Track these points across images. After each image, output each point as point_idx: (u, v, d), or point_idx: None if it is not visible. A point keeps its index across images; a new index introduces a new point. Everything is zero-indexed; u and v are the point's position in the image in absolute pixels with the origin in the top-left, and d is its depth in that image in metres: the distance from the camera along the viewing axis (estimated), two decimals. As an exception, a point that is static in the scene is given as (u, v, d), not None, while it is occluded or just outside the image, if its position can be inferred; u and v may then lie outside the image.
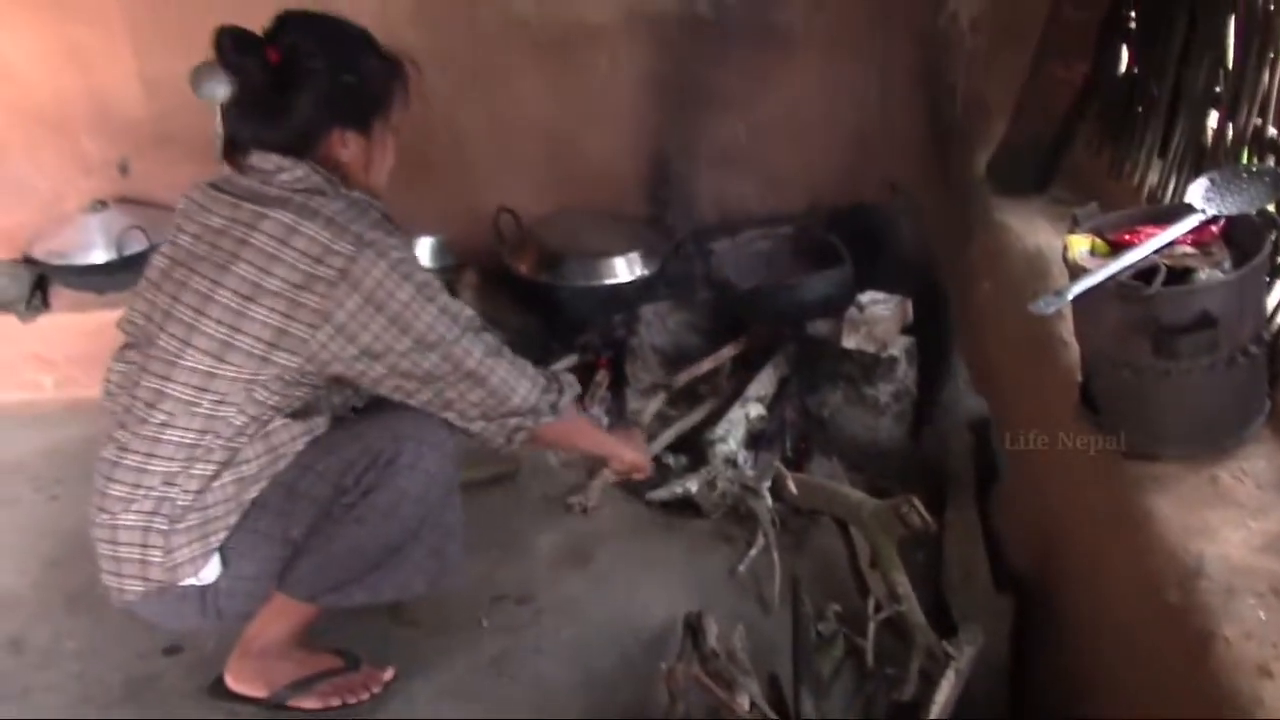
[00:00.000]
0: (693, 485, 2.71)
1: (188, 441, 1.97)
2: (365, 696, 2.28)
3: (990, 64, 3.04)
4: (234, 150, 2.06)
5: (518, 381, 2.10)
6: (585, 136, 3.57)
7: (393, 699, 2.30)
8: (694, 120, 3.49)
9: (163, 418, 1.97)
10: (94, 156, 3.56)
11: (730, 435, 2.81)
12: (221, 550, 2.04)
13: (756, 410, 2.91)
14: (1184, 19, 2.30)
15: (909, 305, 2.95)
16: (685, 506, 2.75)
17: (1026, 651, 2.20)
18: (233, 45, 1.96)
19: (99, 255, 3.40)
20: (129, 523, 1.99)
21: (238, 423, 1.98)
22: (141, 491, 1.98)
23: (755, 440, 2.88)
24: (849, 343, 2.89)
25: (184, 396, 1.96)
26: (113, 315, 2.18)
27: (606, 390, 3.17)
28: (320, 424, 2.12)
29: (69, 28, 3.36)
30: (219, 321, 1.94)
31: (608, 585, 2.59)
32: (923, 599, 2.32)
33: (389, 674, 2.32)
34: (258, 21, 2.03)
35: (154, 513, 1.98)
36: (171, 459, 1.97)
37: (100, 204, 3.47)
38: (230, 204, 2.00)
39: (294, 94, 2.00)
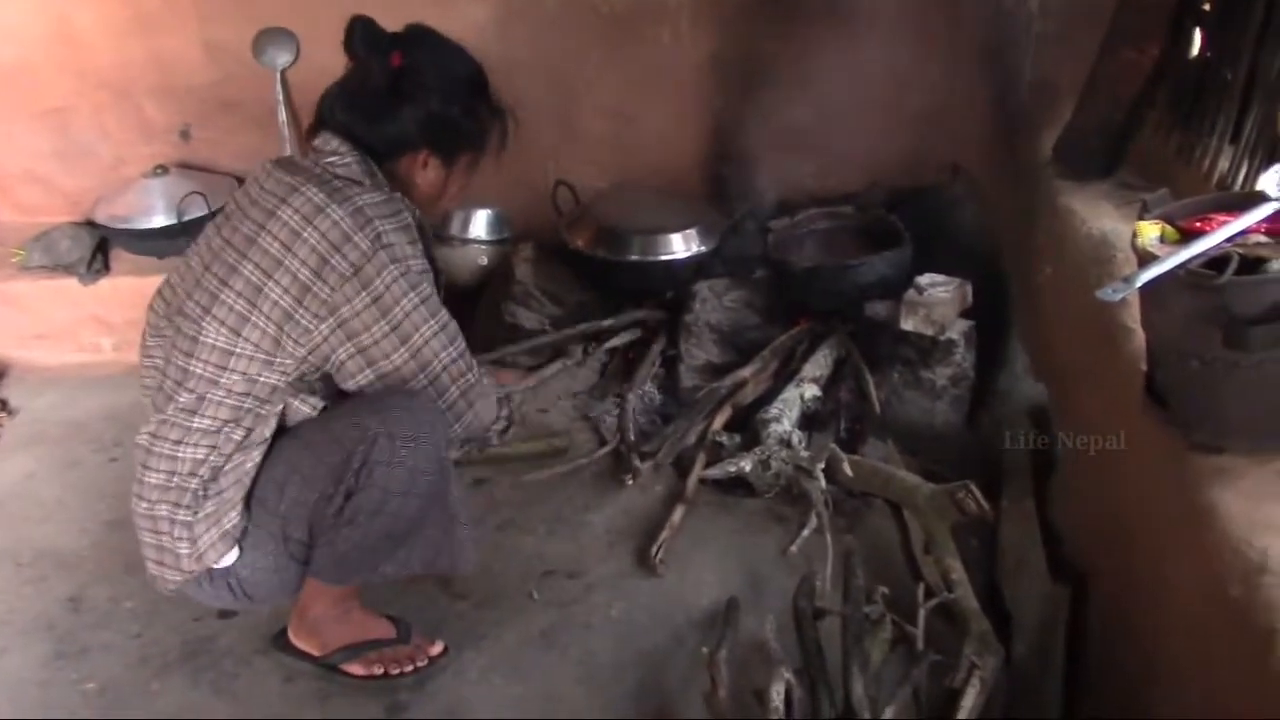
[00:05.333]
0: (746, 464, 2.69)
1: (212, 428, 2.02)
2: (409, 669, 2.29)
3: (1058, 46, 3.00)
4: (314, 129, 2.11)
5: (487, 414, 2.18)
6: (646, 112, 3.56)
7: (443, 669, 2.31)
8: (755, 98, 3.45)
9: (187, 399, 2.02)
10: (156, 122, 3.60)
11: (784, 415, 2.79)
12: (238, 540, 2.07)
13: (811, 391, 2.90)
14: (1261, 3, 2.24)
15: (968, 288, 2.91)
16: (738, 485, 2.74)
17: (1082, 643, 2.17)
18: (363, 37, 2.03)
19: (159, 220, 3.44)
20: (163, 513, 2.04)
21: (259, 411, 2.03)
22: (175, 480, 2.03)
23: (809, 421, 2.86)
24: (907, 325, 2.85)
25: (207, 375, 2.00)
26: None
27: (660, 366, 3.16)
28: (317, 403, 2.11)
29: (135, -7, 3.39)
30: (239, 294, 1.99)
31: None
32: (976, 586, 2.31)
33: (437, 648, 2.33)
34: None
35: (177, 504, 2.03)
36: (198, 445, 2.02)
37: (161, 169, 3.51)
38: (274, 178, 2.05)
39: (402, 103, 2.07)
